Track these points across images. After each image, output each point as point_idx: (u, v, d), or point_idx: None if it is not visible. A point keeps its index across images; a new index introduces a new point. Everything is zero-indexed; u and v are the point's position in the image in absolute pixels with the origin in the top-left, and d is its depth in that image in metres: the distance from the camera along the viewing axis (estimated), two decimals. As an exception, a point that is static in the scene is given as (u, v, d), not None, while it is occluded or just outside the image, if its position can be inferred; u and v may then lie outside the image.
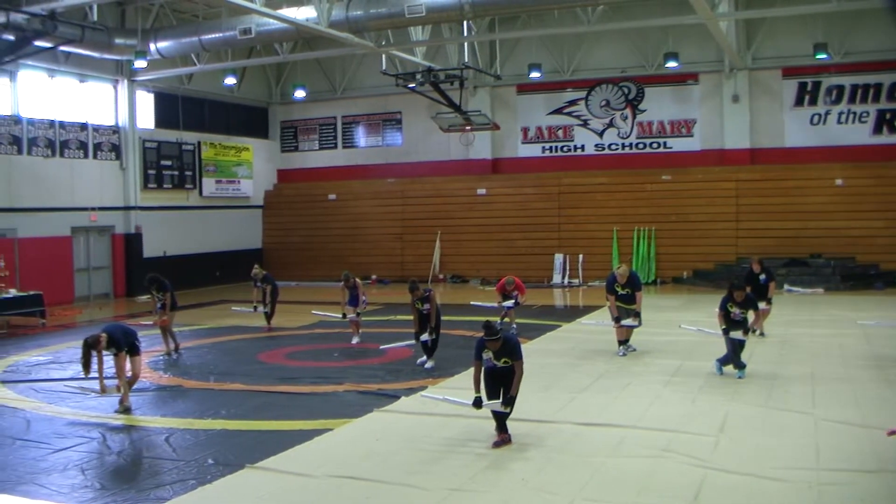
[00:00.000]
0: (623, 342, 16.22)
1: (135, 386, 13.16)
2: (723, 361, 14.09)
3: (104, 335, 12.24)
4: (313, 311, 20.96)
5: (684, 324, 17.42)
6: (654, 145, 32.33)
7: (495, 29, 32.42)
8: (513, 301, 19.41)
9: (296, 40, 29.60)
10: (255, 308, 21.28)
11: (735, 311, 13.90)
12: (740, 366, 13.82)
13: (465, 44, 30.39)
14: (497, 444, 10.14)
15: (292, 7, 24.32)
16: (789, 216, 29.17)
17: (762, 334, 17.25)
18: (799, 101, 30.32)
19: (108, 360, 12.88)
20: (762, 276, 17.77)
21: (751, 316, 14.28)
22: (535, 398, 12.00)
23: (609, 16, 28.69)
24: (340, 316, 18.97)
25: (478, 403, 10.21)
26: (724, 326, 13.96)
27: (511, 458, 9.79)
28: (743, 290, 14.04)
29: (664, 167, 31.60)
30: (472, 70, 29.56)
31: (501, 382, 10.26)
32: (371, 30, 24.93)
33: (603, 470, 9.25)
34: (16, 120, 26.42)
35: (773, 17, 28.36)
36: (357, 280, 18.91)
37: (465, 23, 28.37)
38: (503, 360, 10.18)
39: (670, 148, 32.08)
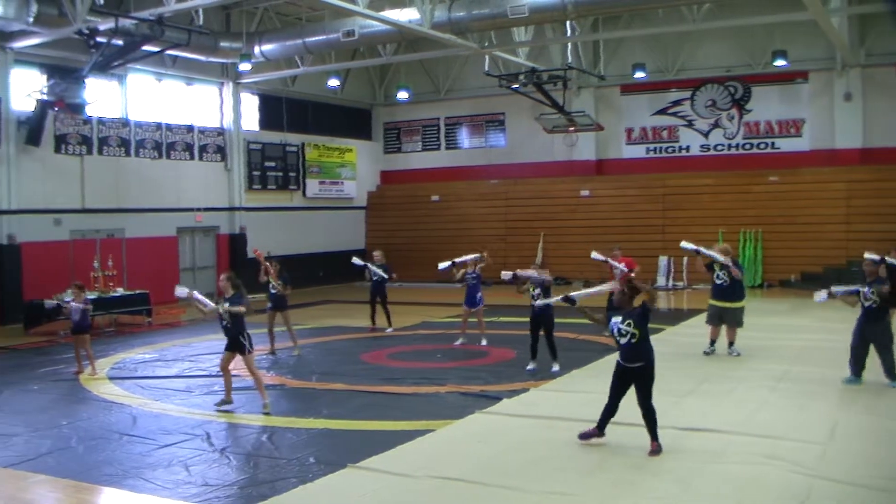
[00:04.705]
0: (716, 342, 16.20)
1: (234, 385, 13.36)
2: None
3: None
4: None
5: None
6: (762, 146, 31.66)
7: (598, 29, 32.12)
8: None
9: (399, 42, 29.72)
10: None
11: None
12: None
13: (569, 44, 30.25)
14: (584, 436, 10.21)
15: (395, 9, 24.46)
16: (905, 218, 28.19)
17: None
18: (916, 98, 29.36)
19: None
20: None
21: None
22: (636, 402, 11.79)
23: (715, 13, 28.08)
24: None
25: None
26: None
27: (611, 463, 9.65)
28: None
29: (772, 168, 30.88)
30: (575, 70, 29.41)
31: (630, 383, 10.23)
32: (474, 31, 24.93)
33: (704, 476, 9.06)
34: (124, 123, 27.04)
35: (889, 11, 27.40)
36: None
37: (568, 23, 28.19)
38: (627, 321, 10.03)
39: (778, 148, 31.37)
